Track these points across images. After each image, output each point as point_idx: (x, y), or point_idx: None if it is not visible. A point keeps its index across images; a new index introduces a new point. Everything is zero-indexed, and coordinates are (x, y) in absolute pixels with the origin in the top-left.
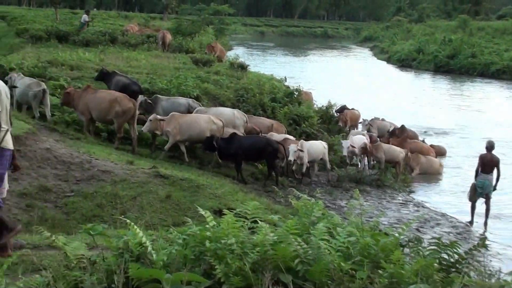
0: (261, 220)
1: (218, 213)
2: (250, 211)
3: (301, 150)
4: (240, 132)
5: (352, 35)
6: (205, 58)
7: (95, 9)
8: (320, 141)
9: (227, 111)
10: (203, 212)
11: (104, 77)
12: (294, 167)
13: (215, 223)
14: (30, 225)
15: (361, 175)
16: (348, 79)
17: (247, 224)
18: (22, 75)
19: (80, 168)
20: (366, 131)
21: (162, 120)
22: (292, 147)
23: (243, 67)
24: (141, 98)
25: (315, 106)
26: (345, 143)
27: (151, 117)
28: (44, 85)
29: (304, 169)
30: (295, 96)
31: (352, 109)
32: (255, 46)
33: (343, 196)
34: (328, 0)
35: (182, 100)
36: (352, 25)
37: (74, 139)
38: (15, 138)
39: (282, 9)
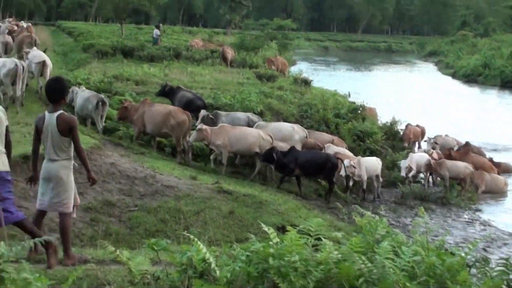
0: (324, 238)
1: (281, 229)
2: (313, 228)
3: (354, 167)
4: (298, 147)
5: (416, 49)
6: (268, 73)
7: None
8: (375, 157)
9: (286, 126)
10: (266, 229)
11: (168, 92)
12: (351, 183)
13: (278, 239)
14: (95, 240)
15: (425, 193)
16: (413, 95)
17: (310, 241)
18: (84, 89)
19: (144, 183)
20: (431, 149)
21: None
22: (346, 162)
23: (306, 82)
24: (203, 113)
25: (379, 122)
26: (403, 163)
27: (198, 127)
28: (101, 97)
29: (364, 186)
30: (359, 111)
31: (417, 125)
32: (318, 61)
33: (407, 213)
34: (392, 15)
35: (242, 115)
36: (416, 40)
37: (139, 153)
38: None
39: (345, 23)
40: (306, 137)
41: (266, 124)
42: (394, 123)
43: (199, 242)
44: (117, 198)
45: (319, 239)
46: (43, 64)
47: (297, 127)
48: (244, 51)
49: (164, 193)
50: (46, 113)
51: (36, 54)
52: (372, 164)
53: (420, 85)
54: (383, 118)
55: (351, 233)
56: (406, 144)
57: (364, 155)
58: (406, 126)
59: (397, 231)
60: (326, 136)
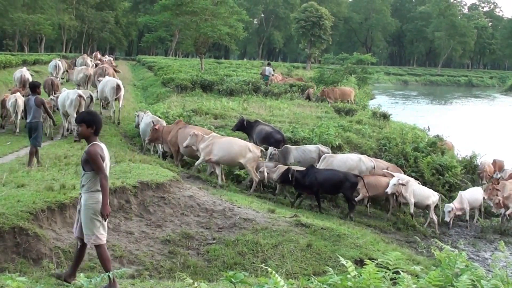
0: (403, 271)
1: (359, 263)
2: (391, 262)
3: (403, 184)
4: None
5: (497, 84)
6: (347, 107)
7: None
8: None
9: (352, 156)
10: (344, 262)
11: (246, 126)
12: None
13: (356, 273)
14: (173, 272)
15: (505, 226)
16: (493, 129)
17: (388, 275)
18: (149, 113)
19: (222, 216)
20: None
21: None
22: (393, 180)
23: (385, 116)
24: (271, 150)
25: (458, 156)
26: (446, 207)
27: (191, 132)
28: (157, 119)
29: (411, 210)
30: (438, 145)
31: (493, 161)
32: (397, 95)
33: (487, 247)
34: (473, 49)
35: (312, 147)
36: (497, 74)
37: (217, 187)
38: (160, 185)
39: (425, 57)
40: (374, 167)
41: (333, 155)
42: (473, 156)
43: (276, 275)
44: (195, 230)
45: (397, 272)
46: (116, 87)
47: (364, 157)
48: (323, 85)
49: (242, 226)
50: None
51: (109, 79)
52: (426, 194)
53: (501, 119)
54: (462, 151)
55: (429, 267)
56: (483, 181)
57: (443, 189)
58: (481, 163)
59: (477, 265)
60: (382, 163)
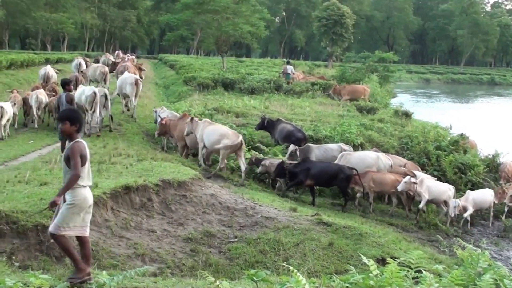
0: (425, 270)
1: (381, 261)
2: (414, 261)
3: (415, 183)
4: None
5: None
6: (369, 106)
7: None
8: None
9: (370, 154)
10: (366, 260)
11: (267, 125)
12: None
13: (378, 271)
14: (195, 270)
15: None
16: None
17: (410, 274)
18: (164, 109)
19: (244, 214)
20: None
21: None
22: (406, 178)
23: (407, 115)
24: (292, 147)
25: (480, 154)
26: (452, 202)
27: (187, 119)
28: (171, 114)
29: (421, 205)
30: (461, 144)
31: None
32: (419, 94)
33: (510, 247)
34: (495, 47)
35: (334, 146)
36: None
37: (239, 185)
38: (182, 183)
39: (448, 56)
40: (391, 165)
41: (351, 152)
42: (496, 155)
43: (298, 274)
44: (217, 229)
45: (419, 271)
46: (135, 83)
47: (382, 155)
48: (345, 83)
49: (264, 225)
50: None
51: (128, 75)
52: (440, 189)
53: None
54: (485, 150)
55: (452, 266)
56: (503, 182)
57: (466, 187)
58: (503, 162)
59: (500, 264)
60: (399, 159)
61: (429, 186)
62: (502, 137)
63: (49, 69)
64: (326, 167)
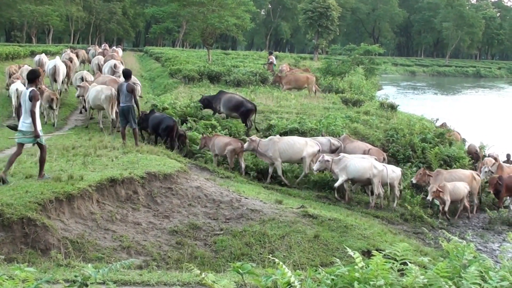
0: (410, 262)
1: (367, 254)
2: (399, 253)
3: (327, 160)
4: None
5: (506, 75)
6: (355, 98)
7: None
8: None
9: (299, 139)
10: (352, 253)
11: (207, 101)
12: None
13: (363, 264)
14: (180, 262)
15: None
16: (501, 120)
17: (396, 266)
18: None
19: (229, 207)
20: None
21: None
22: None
23: (393, 107)
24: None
25: (465, 146)
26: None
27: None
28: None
29: (337, 184)
30: (446, 136)
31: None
32: (405, 86)
33: (495, 239)
34: (481, 39)
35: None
36: (506, 65)
37: (224, 177)
38: (168, 176)
39: (433, 48)
40: (319, 150)
41: (279, 138)
42: (481, 147)
43: (284, 266)
44: (202, 221)
45: (405, 263)
46: (113, 66)
47: (309, 140)
48: (331, 76)
49: (250, 217)
50: None
51: (109, 61)
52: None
53: (509, 110)
54: (470, 142)
55: (437, 258)
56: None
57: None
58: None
59: (485, 256)
60: (363, 144)
61: (347, 165)
62: (487, 130)
63: (43, 57)
64: (161, 118)
